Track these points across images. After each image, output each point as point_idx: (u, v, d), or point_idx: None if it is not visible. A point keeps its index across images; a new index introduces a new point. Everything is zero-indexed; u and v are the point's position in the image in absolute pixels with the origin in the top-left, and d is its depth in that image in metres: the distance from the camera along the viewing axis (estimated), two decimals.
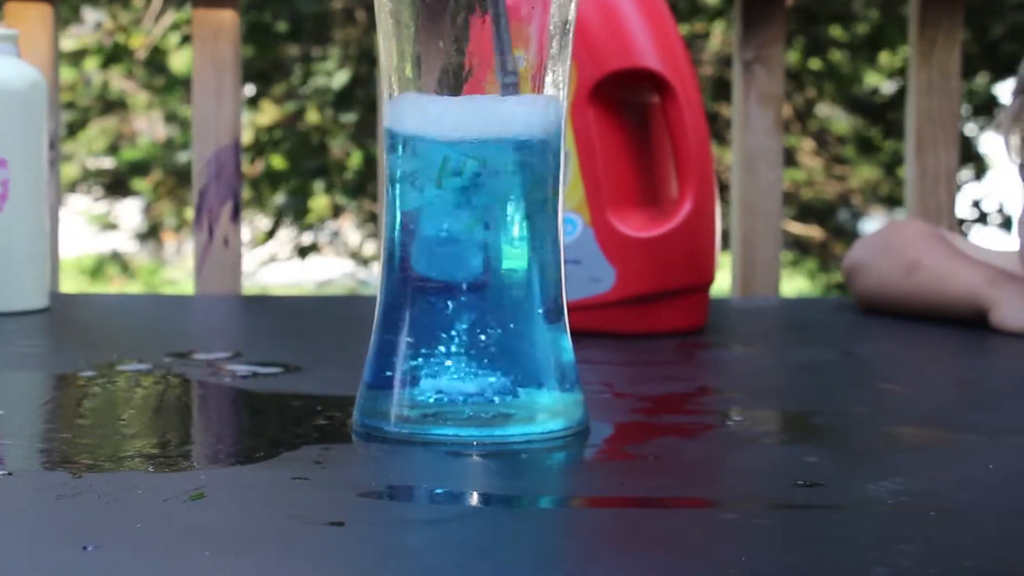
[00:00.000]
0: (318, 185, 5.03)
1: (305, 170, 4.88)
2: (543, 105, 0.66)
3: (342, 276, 5.92)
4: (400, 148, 0.66)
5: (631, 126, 1.00)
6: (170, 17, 4.74)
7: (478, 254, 0.65)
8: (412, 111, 0.65)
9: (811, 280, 5.39)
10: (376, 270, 5.53)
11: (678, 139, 0.98)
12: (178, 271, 6.28)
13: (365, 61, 4.63)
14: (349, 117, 4.69)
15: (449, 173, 0.65)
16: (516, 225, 0.66)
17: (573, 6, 0.66)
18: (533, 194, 0.66)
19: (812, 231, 5.31)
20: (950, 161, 1.38)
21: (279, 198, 5.08)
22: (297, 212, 5.17)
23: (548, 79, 0.66)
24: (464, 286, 0.65)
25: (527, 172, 0.66)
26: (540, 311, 0.66)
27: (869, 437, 0.70)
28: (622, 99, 0.99)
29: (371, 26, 4.52)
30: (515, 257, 0.66)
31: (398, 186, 0.67)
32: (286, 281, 6.16)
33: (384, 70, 0.66)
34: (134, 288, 5.73)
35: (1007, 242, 4.17)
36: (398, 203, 0.67)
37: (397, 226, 0.67)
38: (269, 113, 4.90)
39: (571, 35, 0.67)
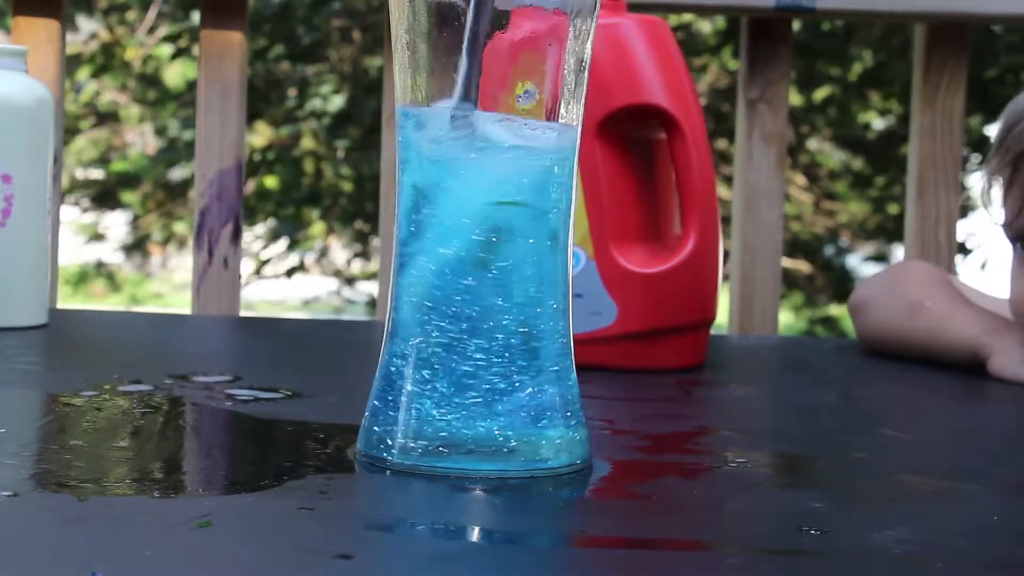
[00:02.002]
0: (313, 212, 5.03)
1: (299, 197, 4.88)
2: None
3: (328, 294, 5.92)
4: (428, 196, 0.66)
5: (637, 161, 1.00)
6: (163, 29, 4.74)
7: (488, 290, 0.66)
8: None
9: (796, 314, 5.40)
10: (363, 289, 5.52)
11: (683, 176, 0.99)
12: (164, 285, 6.26)
13: (360, 82, 4.63)
14: (343, 142, 4.69)
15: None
16: (527, 261, 0.66)
17: (589, 45, 0.67)
18: (544, 230, 0.66)
19: (800, 265, 5.32)
20: (951, 205, 1.38)
21: (270, 222, 5.08)
22: (293, 241, 5.17)
23: (562, 112, 0.66)
24: (473, 320, 0.65)
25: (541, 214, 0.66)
26: (548, 345, 0.67)
27: (872, 483, 0.70)
28: (629, 134, 1.00)
29: (365, 46, 4.52)
30: (525, 292, 0.66)
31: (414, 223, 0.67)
32: (271, 298, 6.15)
33: (399, 98, 0.67)
34: (118, 299, 5.72)
35: (987, 283, 4.19)
36: (405, 217, 0.67)
37: (405, 241, 0.67)
38: (263, 134, 4.90)
39: (586, 73, 0.67)
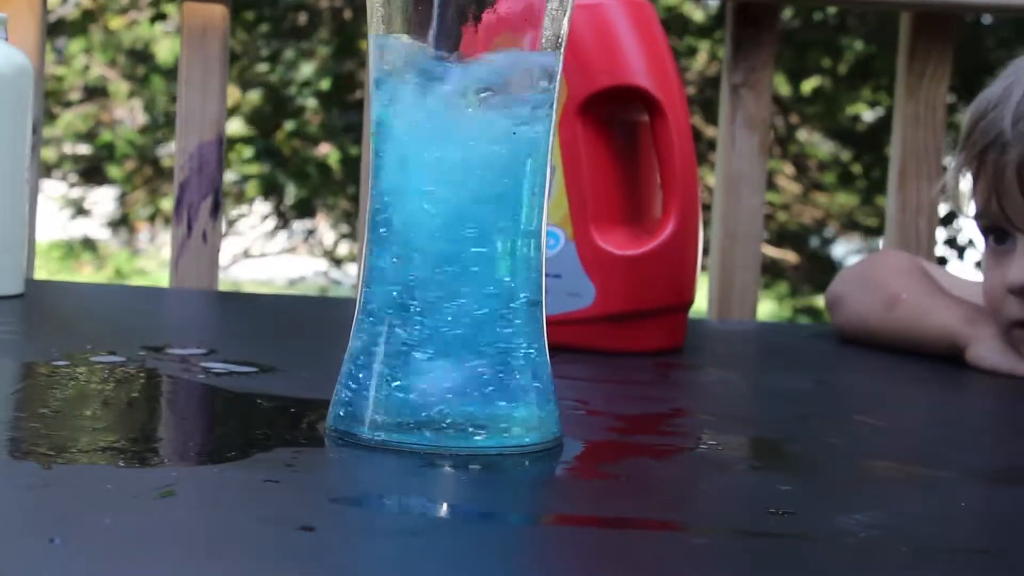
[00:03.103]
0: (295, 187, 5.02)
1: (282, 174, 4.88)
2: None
3: (314, 275, 5.91)
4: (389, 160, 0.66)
5: (618, 143, 1.00)
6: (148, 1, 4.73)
7: (459, 270, 0.65)
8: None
9: (780, 303, 5.40)
10: (350, 271, 5.52)
11: (665, 159, 0.98)
12: (150, 261, 6.25)
13: (351, 57, 4.62)
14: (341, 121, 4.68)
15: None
16: (498, 241, 0.66)
17: (566, 20, 0.66)
18: (518, 211, 0.66)
19: (786, 255, 5.33)
20: (931, 194, 1.38)
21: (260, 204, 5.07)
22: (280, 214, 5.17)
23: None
24: (444, 295, 0.65)
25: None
26: (520, 324, 0.66)
27: (842, 468, 0.70)
28: (611, 116, 0.99)
29: (356, 26, 4.52)
30: (495, 271, 0.66)
31: (384, 193, 0.66)
32: (258, 277, 6.14)
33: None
34: (104, 275, 5.71)
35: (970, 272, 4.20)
36: (376, 197, 0.66)
37: (376, 219, 0.66)
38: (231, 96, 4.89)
39: (563, 49, 0.67)
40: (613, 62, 0.98)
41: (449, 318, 0.65)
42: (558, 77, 0.67)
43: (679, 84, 1.00)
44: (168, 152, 5.12)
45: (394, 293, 0.66)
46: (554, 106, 0.67)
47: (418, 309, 0.65)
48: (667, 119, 0.98)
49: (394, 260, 0.66)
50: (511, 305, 0.66)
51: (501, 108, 0.65)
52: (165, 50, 4.88)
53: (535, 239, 0.67)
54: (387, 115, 0.66)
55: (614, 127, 1.00)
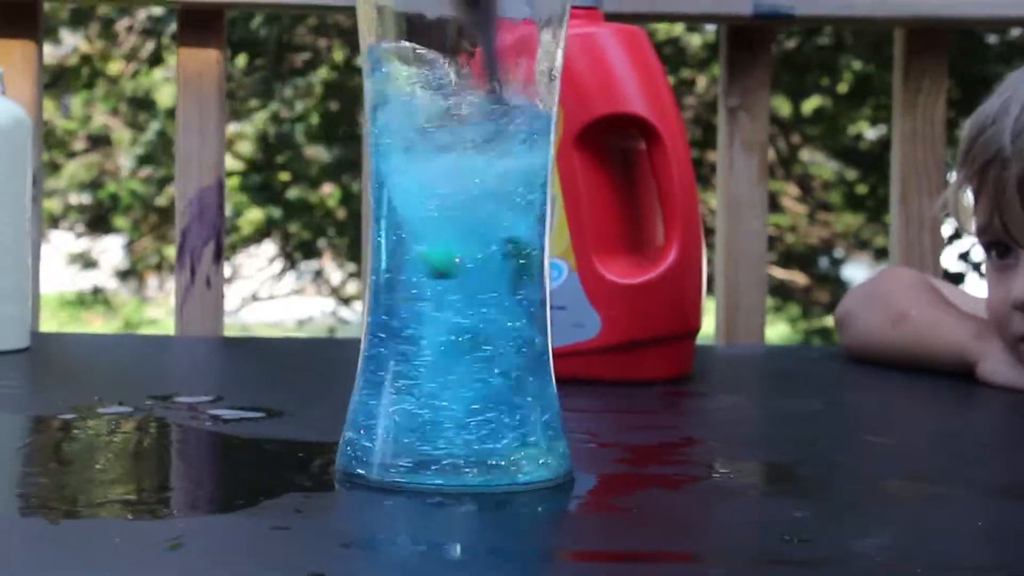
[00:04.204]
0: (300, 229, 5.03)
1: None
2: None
3: (323, 315, 5.92)
4: (389, 197, 0.66)
5: (617, 172, 1.00)
6: (150, 47, 4.74)
7: (463, 306, 0.65)
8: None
9: (792, 325, 5.40)
10: (357, 308, 5.52)
11: (664, 186, 0.98)
12: (159, 309, 6.26)
13: (343, 98, 4.64)
14: (324, 154, 4.69)
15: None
16: (501, 275, 0.65)
17: (560, 52, 0.66)
18: (518, 243, 0.66)
19: (795, 276, 5.32)
20: (934, 209, 1.38)
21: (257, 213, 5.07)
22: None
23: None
24: (449, 337, 0.65)
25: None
26: (526, 359, 0.66)
27: (855, 490, 0.69)
28: (609, 144, 0.99)
29: (351, 64, 4.53)
30: (499, 306, 0.65)
31: (383, 230, 0.66)
32: (266, 320, 6.15)
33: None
34: (115, 325, 5.71)
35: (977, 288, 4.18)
36: (384, 247, 0.66)
37: (382, 270, 0.66)
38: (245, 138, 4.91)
39: (557, 82, 0.67)
40: (608, 90, 0.98)
41: (454, 359, 0.64)
42: (555, 108, 0.66)
43: (675, 110, 1.00)
44: (170, 198, 5.14)
45: (397, 335, 0.65)
46: (551, 137, 0.67)
47: (422, 349, 0.65)
48: (665, 146, 0.98)
49: (396, 301, 0.65)
50: (516, 341, 0.66)
51: (496, 142, 0.65)
52: (166, 96, 4.90)
53: (538, 272, 0.66)
54: (383, 156, 0.66)
55: (612, 155, 1.00)
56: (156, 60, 4.80)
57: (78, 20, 4.61)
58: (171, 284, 5.92)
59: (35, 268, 1.31)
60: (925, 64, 1.39)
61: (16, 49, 1.33)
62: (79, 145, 5.38)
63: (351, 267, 5.38)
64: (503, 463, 0.65)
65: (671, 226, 0.98)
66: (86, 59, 4.87)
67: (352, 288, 5.58)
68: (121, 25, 4.73)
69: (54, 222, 5.36)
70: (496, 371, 0.65)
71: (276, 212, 4.99)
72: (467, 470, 0.64)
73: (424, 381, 0.65)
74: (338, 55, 4.74)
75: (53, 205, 5.27)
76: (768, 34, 1.39)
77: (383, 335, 0.66)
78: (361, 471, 0.65)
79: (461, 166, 0.64)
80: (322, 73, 4.78)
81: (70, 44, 4.97)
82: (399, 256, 0.65)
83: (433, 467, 0.64)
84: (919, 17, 1.35)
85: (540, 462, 0.66)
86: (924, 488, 0.70)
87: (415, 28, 0.64)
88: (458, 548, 0.57)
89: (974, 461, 0.78)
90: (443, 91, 0.64)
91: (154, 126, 4.96)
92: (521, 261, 0.66)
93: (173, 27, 4.34)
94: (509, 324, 0.65)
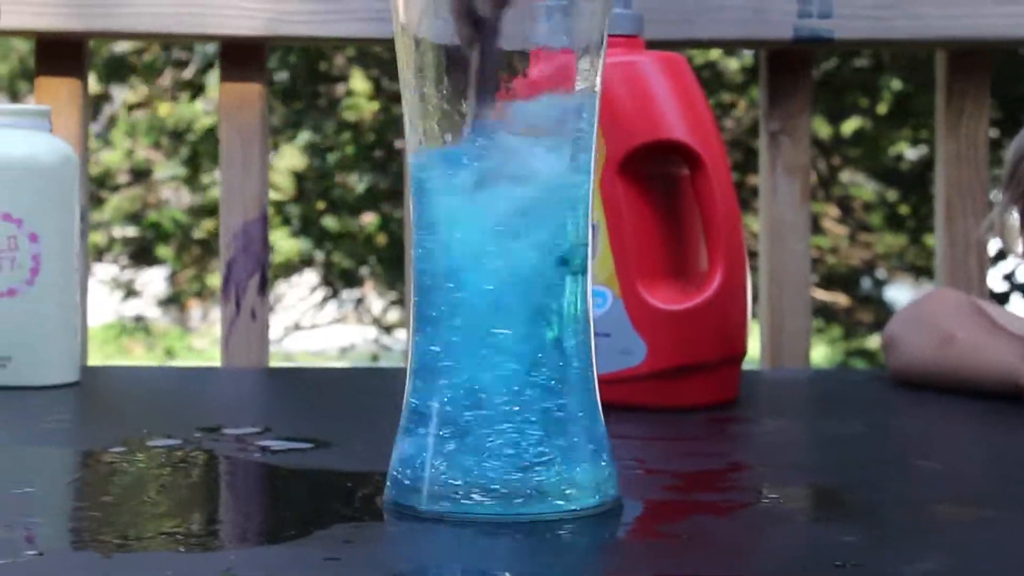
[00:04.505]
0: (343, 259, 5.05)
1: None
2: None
3: (365, 343, 5.93)
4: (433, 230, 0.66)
5: (659, 198, 1.00)
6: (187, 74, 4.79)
7: (509, 333, 0.65)
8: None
9: (833, 347, 5.37)
10: (399, 336, 5.53)
11: (707, 211, 0.98)
12: (203, 339, 6.29)
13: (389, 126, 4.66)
14: (362, 185, 4.71)
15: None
16: (546, 302, 0.66)
17: (598, 78, 0.66)
18: (561, 270, 0.66)
19: (837, 298, 5.30)
20: (979, 231, 1.37)
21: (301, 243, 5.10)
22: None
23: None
24: (495, 364, 0.65)
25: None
26: (573, 386, 0.66)
27: (906, 515, 0.69)
28: (651, 171, 0.99)
29: (394, 93, 4.55)
30: (545, 333, 0.66)
31: (429, 270, 0.66)
32: (310, 348, 6.17)
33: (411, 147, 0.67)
34: (158, 355, 5.74)
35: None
36: (430, 285, 0.66)
37: (427, 305, 0.66)
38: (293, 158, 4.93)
39: (596, 110, 0.67)
40: (650, 118, 0.98)
41: (500, 387, 0.65)
42: (593, 135, 0.67)
43: (717, 135, 1.00)
44: (206, 229, 5.17)
45: (443, 364, 0.66)
46: (592, 165, 0.67)
47: (469, 379, 0.65)
48: (707, 171, 0.98)
49: (442, 331, 0.66)
50: (562, 369, 0.66)
51: (539, 164, 0.65)
52: (200, 126, 4.94)
53: (583, 300, 0.67)
54: (425, 188, 0.66)
55: (654, 182, 1.00)
56: (197, 91, 4.83)
57: (119, 74, 4.67)
58: (213, 313, 5.94)
59: (83, 303, 1.32)
60: (967, 85, 1.38)
61: (62, 87, 1.35)
62: (122, 179, 5.42)
63: (392, 295, 5.39)
64: (551, 491, 0.65)
65: (715, 251, 0.98)
66: (135, 106, 4.92)
67: (394, 316, 5.59)
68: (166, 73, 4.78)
69: (98, 255, 5.40)
70: (543, 401, 0.65)
71: (311, 243, 5.01)
72: (516, 499, 0.64)
73: (470, 411, 0.65)
74: (361, 85, 4.76)
75: (97, 238, 5.32)
76: (808, 58, 1.39)
77: (428, 367, 0.66)
78: (410, 501, 0.66)
79: (507, 201, 0.65)
80: (356, 101, 4.80)
81: (118, 97, 5.03)
82: (445, 293, 0.66)
83: (481, 496, 0.64)
84: (961, 39, 1.35)
85: (588, 489, 0.66)
86: (974, 512, 0.69)
87: (452, 59, 0.64)
88: None
89: (1023, 483, 0.78)
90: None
91: (183, 152, 5.00)
92: (566, 289, 0.66)
93: (207, 53, 4.39)
94: (555, 354, 0.65)
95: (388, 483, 0.68)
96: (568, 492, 0.65)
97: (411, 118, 0.66)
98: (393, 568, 0.59)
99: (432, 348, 0.66)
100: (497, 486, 0.64)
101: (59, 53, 1.35)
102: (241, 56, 1.36)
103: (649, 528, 0.67)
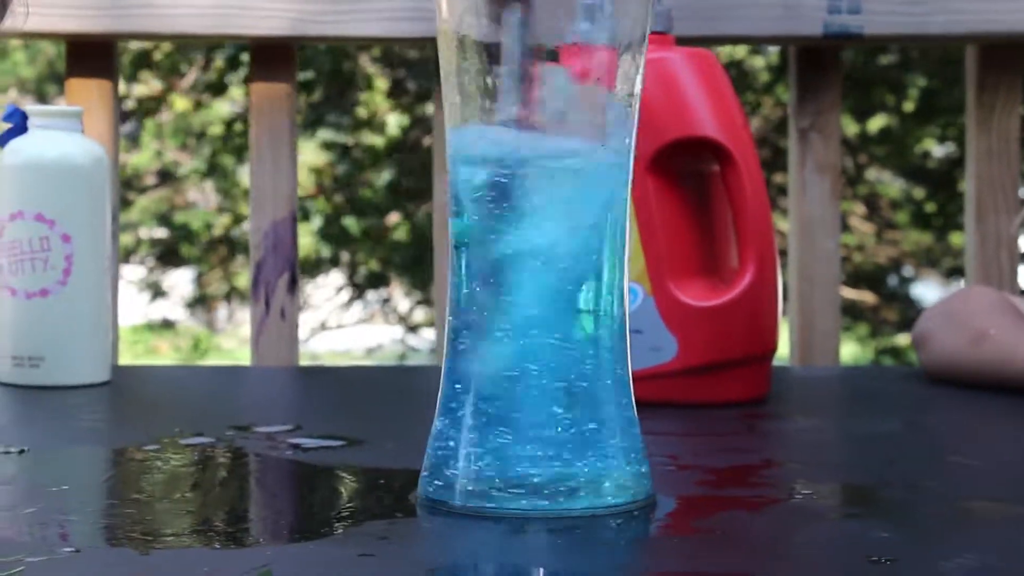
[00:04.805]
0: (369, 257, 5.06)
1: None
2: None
3: (391, 342, 5.94)
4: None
5: (690, 195, 1.00)
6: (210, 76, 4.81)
7: (544, 331, 0.65)
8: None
9: (861, 345, 5.35)
10: (425, 336, 5.54)
11: (738, 208, 0.98)
12: (229, 339, 6.30)
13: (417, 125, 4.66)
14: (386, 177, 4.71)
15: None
16: (581, 299, 0.66)
17: (639, 80, 0.67)
18: (598, 267, 0.66)
19: (864, 296, 5.28)
20: (1011, 227, 1.37)
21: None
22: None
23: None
24: (530, 362, 0.65)
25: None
26: (608, 383, 0.66)
27: (939, 511, 0.69)
28: (681, 168, 0.99)
29: (420, 94, 4.55)
30: (581, 331, 0.66)
31: (463, 275, 0.67)
32: (336, 348, 6.18)
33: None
34: (184, 354, 5.76)
35: None
36: (463, 290, 0.66)
37: (463, 291, 0.66)
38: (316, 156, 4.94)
39: (637, 106, 0.67)
40: (680, 114, 0.98)
41: (535, 384, 0.65)
42: (634, 131, 0.67)
43: (747, 132, 1.00)
44: (224, 226, 5.19)
45: (478, 362, 0.66)
46: (629, 163, 0.67)
47: (503, 376, 0.65)
48: (738, 168, 0.98)
49: (478, 330, 0.66)
50: (597, 366, 0.66)
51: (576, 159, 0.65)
52: (219, 126, 4.96)
53: (618, 298, 0.67)
54: (462, 188, 0.66)
55: (685, 179, 1.00)
56: (219, 91, 4.85)
57: (138, 67, 4.69)
58: (238, 314, 5.96)
59: (114, 303, 1.32)
60: (999, 81, 1.38)
61: (93, 88, 1.35)
62: (150, 181, 5.44)
63: (418, 295, 5.40)
64: (585, 487, 0.65)
65: (746, 248, 0.98)
66: (151, 101, 4.94)
67: (420, 316, 5.59)
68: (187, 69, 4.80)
69: (126, 256, 5.42)
70: (577, 397, 0.65)
71: (331, 247, 5.02)
72: (549, 494, 0.64)
73: (504, 408, 0.65)
74: (382, 86, 4.77)
75: (126, 239, 5.34)
76: (837, 54, 1.38)
77: (464, 360, 0.66)
78: (443, 497, 0.66)
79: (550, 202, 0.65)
80: (375, 99, 4.81)
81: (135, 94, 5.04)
82: (478, 294, 0.66)
83: (515, 492, 0.64)
84: (994, 33, 1.34)
85: (622, 485, 0.66)
86: (1009, 509, 0.69)
87: (493, 56, 0.64)
88: (541, 573, 0.58)
89: None
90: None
91: (204, 151, 5.01)
92: (601, 286, 0.66)
93: (227, 53, 4.40)
94: (590, 351, 0.65)
95: (421, 480, 0.68)
96: (602, 488, 0.65)
97: (451, 112, 0.66)
98: (428, 564, 0.59)
99: (461, 347, 0.66)
100: (530, 482, 0.64)
101: (89, 55, 1.36)
102: (269, 57, 1.36)
103: (683, 524, 0.67)
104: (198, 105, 5.00)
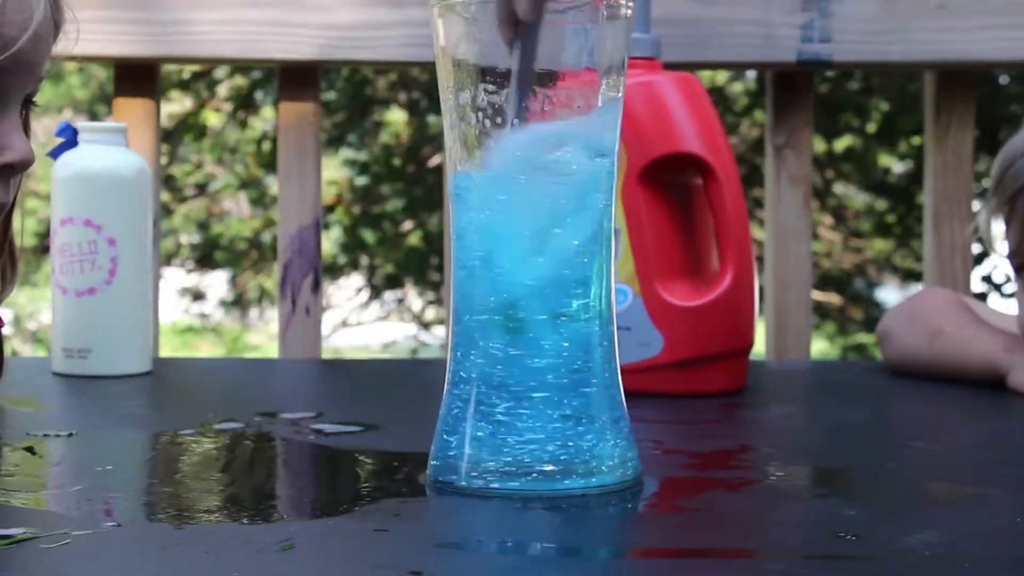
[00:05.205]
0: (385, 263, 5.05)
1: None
2: None
3: (405, 338, 5.93)
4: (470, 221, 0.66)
5: (676, 205, 0.99)
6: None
7: (544, 328, 0.65)
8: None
9: (830, 342, 5.34)
10: (437, 332, 5.53)
11: (720, 217, 0.97)
12: (260, 335, 6.29)
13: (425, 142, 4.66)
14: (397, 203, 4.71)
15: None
16: (577, 297, 0.65)
17: (620, 91, 0.66)
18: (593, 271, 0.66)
19: (831, 297, 5.28)
20: (964, 235, 1.36)
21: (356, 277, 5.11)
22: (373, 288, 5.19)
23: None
24: (529, 354, 0.64)
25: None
26: (599, 375, 0.66)
27: (901, 492, 0.68)
28: (668, 181, 0.98)
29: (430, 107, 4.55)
30: (576, 327, 0.65)
31: (465, 275, 0.66)
32: (355, 344, 6.17)
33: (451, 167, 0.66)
34: (220, 350, 5.76)
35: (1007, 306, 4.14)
36: (467, 288, 0.66)
37: (463, 298, 0.66)
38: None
39: (619, 119, 0.67)
40: (668, 132, 0.97)
41: (533, 376, 0.64)
42: (616, 145, 0.66)
43: (728, 149, 0.99)
44: (253, 230, 5.19)
45: (480, 355, 0.65)
46: (614, 173, 0.66)
47: (504, 367, 0.64)
48: (719, 181, 0.97)
49: (480, 324, 0.65)
50: (590, 359, 0.65)
51: (564, 172, 0.64)
52: (251, 143, 4.96)
53: (607, 297, 0.66)
54: (462, 190, 0.66)
55: (671, 191, 0.99)
56: (249, 108, 4.84)
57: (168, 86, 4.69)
58: (269, 313, 5.96)
59: (155, 301, 1.32)
60: (954, 103, 1.37)
61: (138, 107, 1.35)
62: (189, 191, 5.44)
63: (430, 295, 5.39)
64: (580, 469, 0.64)
65: (726, 253, 0.97)
66: (187, 116, 4.94)
67: (431, 314, 5.59)
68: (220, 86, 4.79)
69: (167, 259, 5.42)
70: (574, 386, 0.65)
71: (347, 255, 5.02)
72: (547, 476, 0.64)
73: (507, 395, 0.64)
74: (399, 112, 4.77)
75: (167, 244, 5.33)
76: (810, 79, 1.38)
77: (469, 354, 0.66)
78: (451, 478, 0.65)
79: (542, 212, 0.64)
80: (393, 116, 4.81)
81: (167, 111, 5.04)
82: (482, 293, 0.65)
83: (515, 473, 0.64)
84: (948, 61, 1.33)
85: (613, 468, 0.65)
86: (966, 490, 0.69)
87: (487, 79, 0.64)
88: (541, 547, 0.57)
89: (1010, 464, 0.77)
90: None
91: (238, 169, 5.01)
92: (593, 286, 0.65)
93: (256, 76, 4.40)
94: (584, 344, 0.65)
95: (431, 462, 0.67)
96: (595, 470, 0.65)
97: (451, 133, 0.66)
98: (438, 539, 0.58)
99: (468, 338, 0.66)
100: (528, 464, 0.64)
101: (134, 76, 1.35)
102: (297, 79, 1.36)
103: (668, 503, 0.67)
104: (234, 116, 4.99)
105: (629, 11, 0.65)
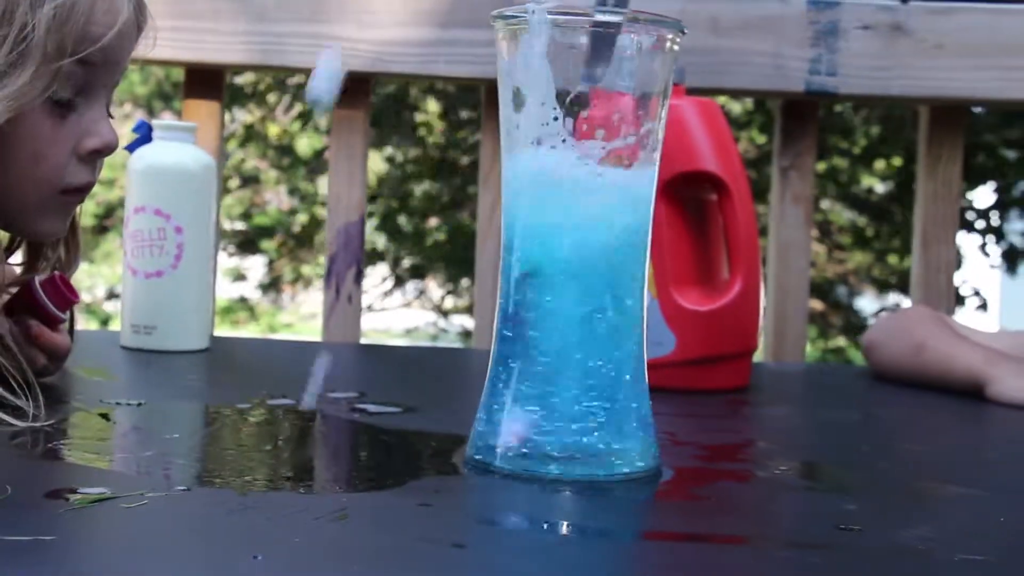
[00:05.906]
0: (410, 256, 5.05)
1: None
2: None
3: (425, 325, 5.93)
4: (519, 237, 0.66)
5: (692, 218, 0.99)
6: (296, 107, 4.80)
7: (578, 326, 0.65)
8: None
9: (811, 345, 5.34)
10: (455, 320, 5.54)
11: (731, 230, 0.97)
12: (292, 316, 6.29)
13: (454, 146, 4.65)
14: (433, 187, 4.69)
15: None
16: (614, 298, 0.65)
17: (661, 123, 0.66)
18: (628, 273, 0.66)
19: (814, 304, 5.27)
20: (950, 257, 1.36)
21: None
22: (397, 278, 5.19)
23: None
24: (566, 349, 0.64)
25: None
26: (628, 370, 0.66)
27: (895, 489, 0.68)
28: (686, 196, 0.98)
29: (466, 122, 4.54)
30: (609, 325, 0.65)
31: (512, 265, 0.66)
32: (378, 327, 6.17)
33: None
34: (256, 328, 5.76)
35: (986, 323, 4.14)
36: (513, 278, 0.66)
37: (512, 286, 0.66)
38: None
39: (658, 149, 0.67)
40: (687, 152, 0.97)
41: (570, 368, 0.64)
42: (656, 168, 0.66)
43: (742, 168, 0.99)
44: (300, 223, 5.19)
45: (521, 348, 0.65)
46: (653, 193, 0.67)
47: (543, 361, 0.64)
48: (733, 197, 0.97)
49: (522, 320, 0.65)
50: (620, 355, 0.65)
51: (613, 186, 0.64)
52: (303, 145, 4.95)
53: (640, 295, 0.66)
54: (513, 196, 0.66)
55: (688, 205, 0.99)
56: (306, 118, 4.85)
57: (239, 100, 4.70)
58: (301, 296, 5.94)
59: (213, 284, 1.32)
60: (944, 137, 1.37)
61: (204, 108, 1.35)
62: (234, 183, 5.44)
63: (450, 286, 5.40)
64: (606, 456, 0.64)
65: (736, 263, 0.97)
66: (250, 128, 4.94)
67: (450, 303, 5.59)
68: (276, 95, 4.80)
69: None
70: (604, 380, 0.65)
71: (384, 240, 5.01)
72: (576, 461, 0.64)
73: (542, 386, 0.64)
74: (433, 107, 4.76)
75: None
76: (815, 108, 1.38)
77: (509, 348, 0.66)
78: (487, 459, 0.65)
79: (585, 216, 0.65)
80: (431, 120, 4.80)
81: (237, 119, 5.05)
82: (524, 285, 0.65)
83: (547, 458, 0.64)
84: (942, 97, 1.33)
85: (635, 457, 0.65)
86: (954, 489, 0.69)
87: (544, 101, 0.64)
88: (569, 527, 0.57)
89: (992, 466, 0.77)
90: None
91: (300, 172, 5.01)
92: (631, 285, 0.66)
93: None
94: (615, 340, 0.65)
95: (469, 444, 0.67)
96: (619, 458, 0.65)
97: (507, 138, 0.66)
98: (475, 515, 0.58)
99: (508, 334, 0.66)
100: (561, 451, 0.64)
101: (203, 80, 1.35)
102: (350, 88, 1.36)
103: (681, 490, 0.67)
104: (295, 122, 4.99)
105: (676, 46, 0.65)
